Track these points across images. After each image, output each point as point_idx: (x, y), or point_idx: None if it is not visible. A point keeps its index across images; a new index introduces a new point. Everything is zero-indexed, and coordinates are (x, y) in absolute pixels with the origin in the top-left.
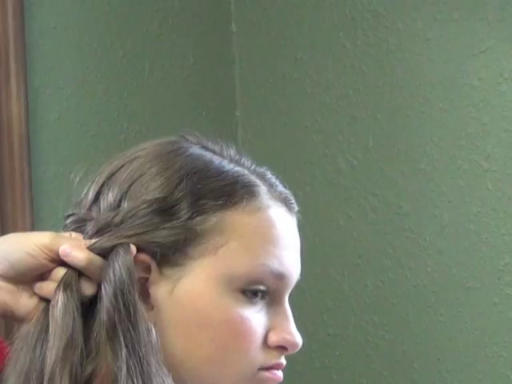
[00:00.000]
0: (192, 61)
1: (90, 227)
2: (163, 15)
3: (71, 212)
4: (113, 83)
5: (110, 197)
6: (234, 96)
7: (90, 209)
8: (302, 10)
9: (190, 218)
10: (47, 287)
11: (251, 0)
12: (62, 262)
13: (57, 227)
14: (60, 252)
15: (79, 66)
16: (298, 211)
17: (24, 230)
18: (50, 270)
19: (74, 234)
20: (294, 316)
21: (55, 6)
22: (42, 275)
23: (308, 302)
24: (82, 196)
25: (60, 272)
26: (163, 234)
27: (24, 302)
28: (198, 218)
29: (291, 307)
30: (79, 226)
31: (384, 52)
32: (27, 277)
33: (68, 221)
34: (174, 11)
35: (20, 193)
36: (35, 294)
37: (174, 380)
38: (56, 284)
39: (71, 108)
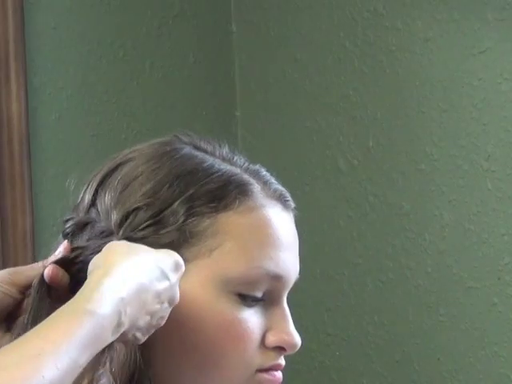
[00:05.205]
0: (192, 61)
1: (90, 230)
2: (163, 15)
3: (70, 216)
4: (113, 83)
5: (105, 200)
6: (234, 96)
7: (88, 212)
8: (302, 10)
9: (184, 221)
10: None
11: (251, 0)
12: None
13: (57, 227)
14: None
15: (79, 66)
16: (296, 208)
17: (24, 230)
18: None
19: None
20: (293, 316)
21: (55, 5)
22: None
23: (308, 301)
24: (79, 200)
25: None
26: (160, 239)
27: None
28: (191, 221)
29: (291, 307)
30: (80, 229)
31: (384, 52)
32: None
33: (68, 225)
34: (174, 11)
35: (20, 193)
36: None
37: None
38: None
39: (71, 108)
